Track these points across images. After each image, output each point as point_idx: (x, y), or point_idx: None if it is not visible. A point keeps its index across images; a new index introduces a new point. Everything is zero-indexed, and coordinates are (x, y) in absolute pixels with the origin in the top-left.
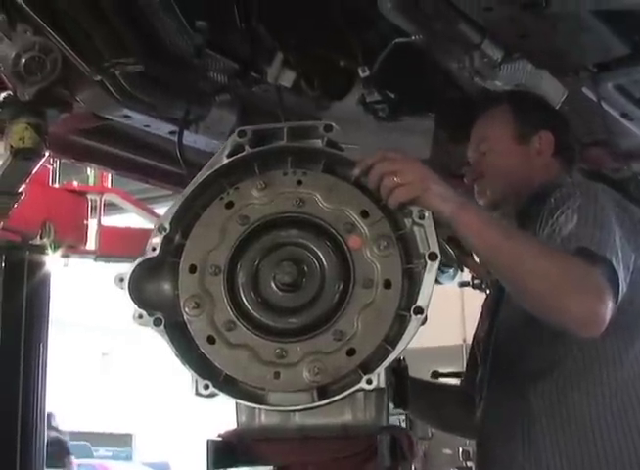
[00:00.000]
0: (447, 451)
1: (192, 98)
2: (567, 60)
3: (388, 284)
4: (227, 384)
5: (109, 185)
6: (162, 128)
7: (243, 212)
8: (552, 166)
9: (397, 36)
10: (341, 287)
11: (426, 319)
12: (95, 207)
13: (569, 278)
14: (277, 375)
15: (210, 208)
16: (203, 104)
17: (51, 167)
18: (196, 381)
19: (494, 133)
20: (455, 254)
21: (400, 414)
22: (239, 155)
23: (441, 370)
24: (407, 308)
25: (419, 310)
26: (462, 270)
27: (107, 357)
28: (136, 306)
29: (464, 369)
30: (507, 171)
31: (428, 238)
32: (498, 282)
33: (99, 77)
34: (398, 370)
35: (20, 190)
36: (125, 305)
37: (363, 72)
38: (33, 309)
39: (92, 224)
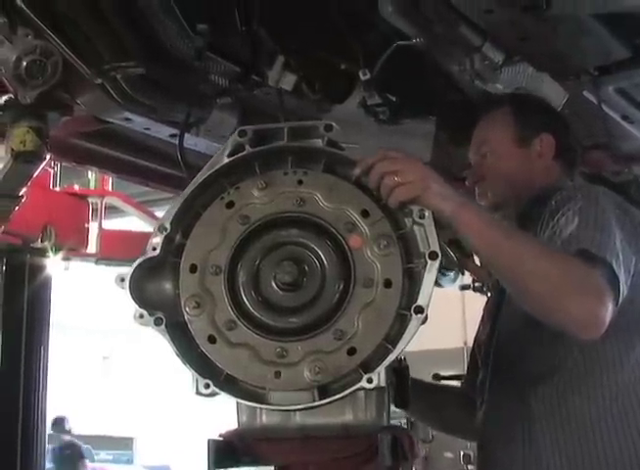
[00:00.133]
0: (448, 455)
1: (193, 101)
2: (567, 63)
3: (388, 283)
4: (228, 383)
5: (110, 188)
6: (163, 131)
7: (243, 212)
8: (553, 169)
9: (398, 39)
10: (341, 286)
11: (426, 318)
12: (96, 210)
13: (569, 279)
14: (278, 374)
15: (211, 207)
16: (203, 107)
17: (52, 171)
18: (196, 380)
19: (495, 136)
20: (456, 256)
21: (402, 417)
22: (239, 154)
23: (442, 373)
24: (408, 308)
25: (419, 310)
26: (463, 273)
27: (107, 361)
28: (137, 306)
29: (465, 372)
30: (508, 174)
31: (428, 237)
32: (499, 285)
33: (100, 80)
34: (399, 370)
35: (20, 193)
36: (126, 308)
37: (364, 75)
38: (34, 312)
39: (93, 227)
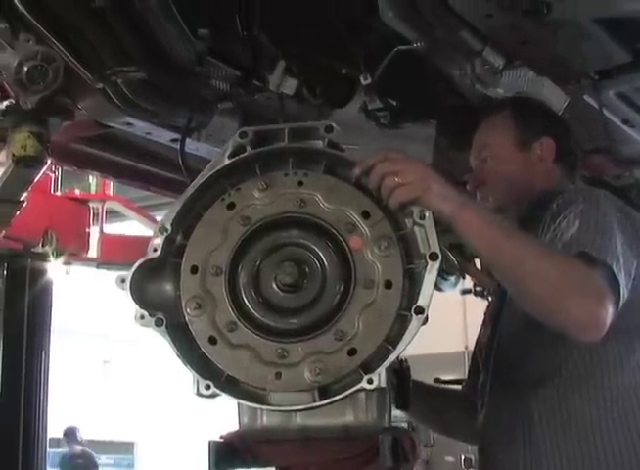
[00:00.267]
0: (449, 459)
1: (194, 106)
2: (568, 67)
3: (388, 284)
4: (229, 384)
5: (110, 193)
6: (164, 136)
7: (244, 213)
8: (553, 173)
9: (398, 43)
10: (342, 287)
11: (427, 319)
12: (97, 214)
13: (569, 280)
14: (278, 375)
15: (212, 208)
16: (205, 111)
17: (53, 175)
18: (197, 381)
19: (495, 140)
20: (457, 261)
21: (404, 421)
22: (240, 156)
23: (443, 377)
24: (408, 308)
25: (420, 310)
26: (464, 278)
27: (108, 365)
28: (137, 307)
29: (466, 376)
30: (508, 178)
31: (428, 238)
32: (500, 289)
33: (101, 85)
34: (400, 371)
35: (21, 198)
36: (127, 312)
37: (365, 80)
38: (35, 317)
39: (94, 232)
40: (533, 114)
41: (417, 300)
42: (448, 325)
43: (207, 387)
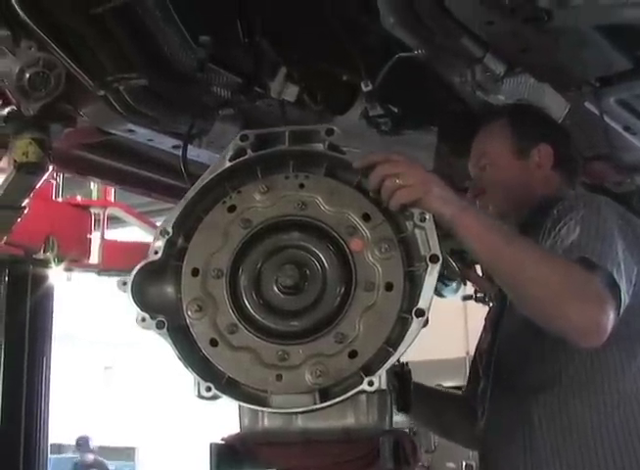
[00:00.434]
0: (451, 465)
1: (195, 112)
2: (569, 74)
3: (389, 287)
4: (229, 386)
5: (112, 199)
6: (166, 142)
7: (245, 216)
8: (553, 179)
9: (399, 50)
10: (342, 290)
11: (427, 321)
12: (98, 220)
13: (570, 286)
14: (279, 377)
15: (213, 211)
16: (206, 118)
17: (54, 182)
18: (198, 383)
19: (493, 149)
20: (458, 267)
21: (405, 428)
22: (241, 158)
23: (444, 384)
24: (409, 311)
25: (420, 313)
26: (465, 284)
27: (109, 371)
28: (139, 310)
29: (466, 381)
30: (508, 186)
31: (429, 240)
32: (500, 295)
33: (102, 92)
34: (401, 374)
35: (23, 204)
36: (128, 318)
37: (366, 87)
38: (36, 323)
39: (95, 238)
40: (530, 121)
41: (417, 302)
42: (449, 331)
43: (208, 389)
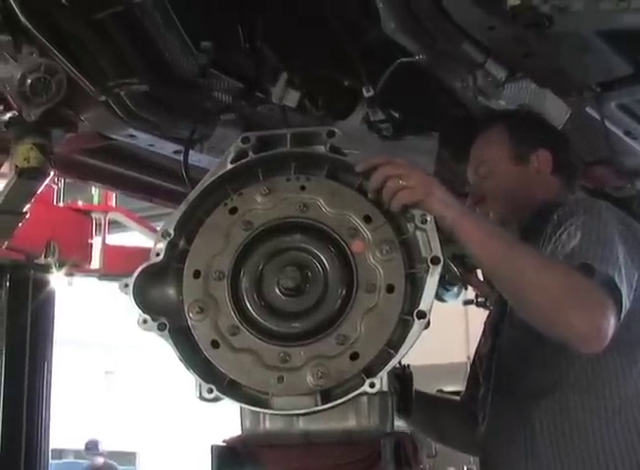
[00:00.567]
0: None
1: (197, 117)
2: (570, 79)
3: (390, 288)
4: (231, 388)
5: (113, 204)
6: (167, 147)
7: (246, 218)
8: (552, 185)
9: (400, 55)
10: (344, 291)
11: (429, 323)
12: (99, 225)
13: (571, 292)
14: (281, 379)
15: (214, 213)
16: (207, 123)
17: (56, 187)
18: (200, 385)
19: (492, 155)
20: (459, 272)
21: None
22: (243, 161)
23: (445, 388)
24: (410, 313)
25: (422, 314)
26: (466, 288)
27: (110, 375)
28: (140, 311)
29: (465, 386)
30: (507, 193)
31: (430, 242)
32: (500, 299)
33: (104, 98)
34: (402, 377)
35: (24, 210)
36: (129, 322)
37: (367, 92)
38: (37, 328)
39: (96, 243)
40: (528, 127)
41: (419, 304)
42: (450, 336)
43: (210, 391)
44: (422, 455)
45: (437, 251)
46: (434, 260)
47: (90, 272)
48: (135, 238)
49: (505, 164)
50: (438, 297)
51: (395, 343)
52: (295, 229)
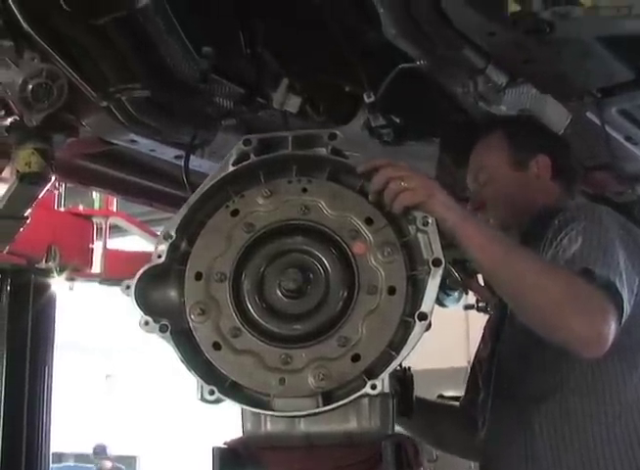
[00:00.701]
0: None
1: (198, 123)
2: (571, 85)
3: (392, 290)
4: (232, 390)
5: (114, 208)
6: (168, 153)
7: (248, 220)
8: (552, 190)
9: (402, 60)
10: (345, 293)
11: (430, 325)
12: (100, 229)
13: (572, 296)
14: (282, 381)
15: (216, 215)
16: (209, 129)
17: (57, 191)
18: (201, 387)
19: (491, 162)
20: (460, 276)
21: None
22: (244, 163)
23: (445, 392)
24: (411, 314)
25: (423, 316)
26: (467, 293)
27: (111, 379)
28: (142, 313)
29: (465, 390)
30: (507, 199)
31: (432, 244)
32: (500, 304)
33: (105, 103)
34: (403, 379)
35: (25, 214)
36: (129, 326)
37: (368, 98)
38: (38, 332)
39: (97, 247)
40: (527, 132)
41: (420, 306)
42: (451, 340)
43: (211, 392)
44: (422, 458)
45: (439, 253)
46: (436, 262)
47: (91, 277)
48: (136, 242)
49: (504, 170)
50: (439, 302)
51: (397, 344)
52: (296, 231)
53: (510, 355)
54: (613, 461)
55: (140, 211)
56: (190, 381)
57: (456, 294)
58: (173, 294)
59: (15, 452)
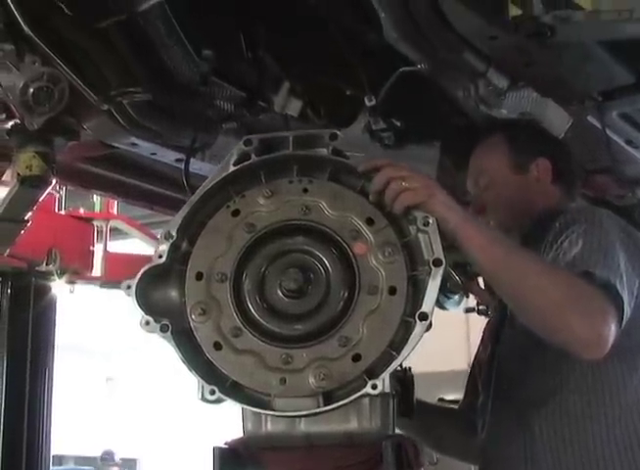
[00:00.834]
0: None
1: (199, 126)
2: (572, 88)
3: (392, 290)
4: (233, 390)
5: (115, 211)
6: (169, 156)
7: (249, 220)
8: (552, 193)
9: (402, 64)
10: (346, 293)
11: (431, 325)
12: (101, 232)
13: (572, 298)
14: (283, 381)
15: (217, 215)
16: (209, 132)
17: (57, 194)
18: (202, 387)
19: (491, 166)
20: (461, 279)
21: None
22: (245, 163)
23: (446, 396)
24: (412, 314)
25: (424, 316)
26: (467, 296)
27: (111, 382)
28: (143, 313)
29: (464, 393)
30: (508, 202)
31: (432, 244)
32: (500, 306)
33: (106, 106)
34: (404, 380)
35: (26, 217)
36: (129, 329)
37: (369, 101)
38: (39, 335)
39: (98, 250)
40: (527, 136)
41: (421, 306)
42: (451, 343)
43: (212, 392)
44: (423, 458)
45: (439, 253)
46: (437, 263)
47: (91, 280)
48: (136, 245)
49: (505, 174)
50: (440, 305)
51: (397, 344)
52: (297, 231)
53: (510, 357)
54: (612, 463)
55: (140, 213)
56: (190, 384)
57: (457, 297)
58: (174, 294)
59: (15, 454)
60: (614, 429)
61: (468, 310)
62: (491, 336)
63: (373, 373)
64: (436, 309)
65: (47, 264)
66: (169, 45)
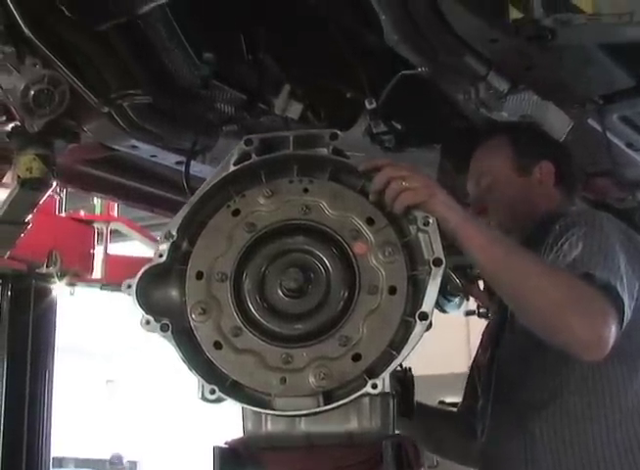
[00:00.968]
0: None
1: (199, 129)
2: (572, 91)
3: (393, 290)
4: (233, 389)
5: (115, 214)
6: (169, 158)
7: (249, 220)
8: (554, 196)
9: (403, 67)
10: (346, 293)
11: (431, 325)
12: (101, 235)
13: (573, 299)
14: (283, 380)
15: (217, 215)
16: (210, 134)
17: (58, 197)
18: (202, 386)
19: (495, 167)
20: (461, 282)
21: None
22: (245, 163)
23: (446, 399)
24: (412, 314)
25: (424, 316)
26: (468, 299)
27: (111, 384)
28: (143, 312)
29: (463, 396)
30: (510, 203)
31: (432, 244)
32: (500, 309)
33: (107, 109)
34: (404, 380)
35: (26, 220)
36: (129, 331)
37: (370, 104)
38: (39, 337)
39: (98, 253)
40: (530, 138)
41: (421, 305)
42: (452, 346)
43: (212, 391)
44: (423, 459)
45: (440, 253)
46: (437, 262)
47: (92, 282)
48: (137, 248)
49: (508, 175)
50: (440, 308)
51: (398, 344)
52: (297, 231)
53: (510, 359)
54: (613, 465)
55: (141, 216)
56: (190, 385)
57: (457, 300)
58: (174, 293)
59: (15, 456)
60: (614, 432)
61: (468, 313)
62: (491, 339)
63: (373, 373)
64: (437, 312)
65: (47, 267)
66: (170, 48)
